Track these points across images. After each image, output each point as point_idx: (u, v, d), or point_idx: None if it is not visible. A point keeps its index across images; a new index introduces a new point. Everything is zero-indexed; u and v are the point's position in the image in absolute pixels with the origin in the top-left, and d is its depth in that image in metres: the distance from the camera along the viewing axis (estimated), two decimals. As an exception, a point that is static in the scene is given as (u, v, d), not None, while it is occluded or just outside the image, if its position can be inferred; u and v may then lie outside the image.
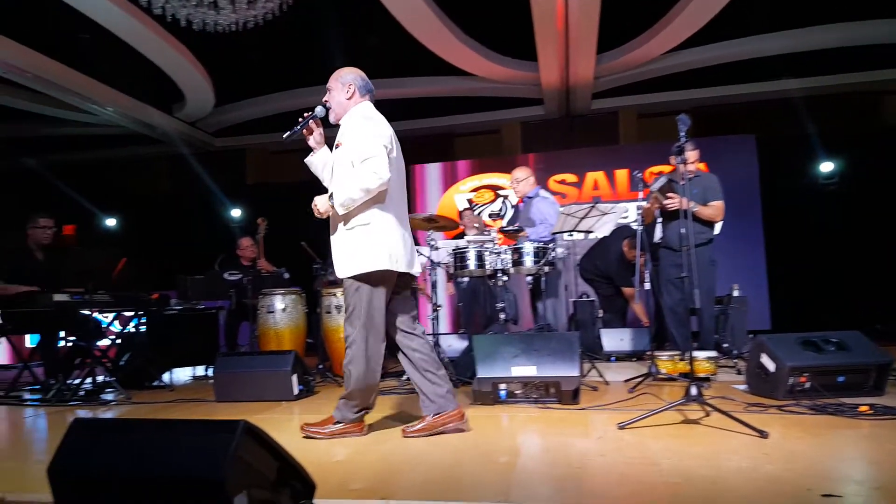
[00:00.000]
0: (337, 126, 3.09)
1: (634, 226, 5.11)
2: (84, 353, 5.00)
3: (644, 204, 4.76)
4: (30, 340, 7.68)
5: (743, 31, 7.93)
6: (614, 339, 6.09)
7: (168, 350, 5.54)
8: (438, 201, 9.77)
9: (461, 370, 4.49)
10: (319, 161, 3.15)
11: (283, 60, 8.34)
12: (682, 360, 4.35)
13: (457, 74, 8.62)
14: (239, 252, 6.78)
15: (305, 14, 6.66)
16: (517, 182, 5.46)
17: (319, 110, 3.11)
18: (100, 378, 4.86)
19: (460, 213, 8.46)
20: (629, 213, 8.15)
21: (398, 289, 3.06)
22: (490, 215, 9.28)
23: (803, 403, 3.27)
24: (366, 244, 2.89)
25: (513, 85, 9.00)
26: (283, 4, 6.20)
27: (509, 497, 2.00)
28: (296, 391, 4.23)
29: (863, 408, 3.07)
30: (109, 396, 4.69)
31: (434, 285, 5.12)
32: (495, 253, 4.70)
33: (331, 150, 3.12)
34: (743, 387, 3.94)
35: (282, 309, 5.58)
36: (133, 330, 5.55)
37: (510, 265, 4.67)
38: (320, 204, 2.94)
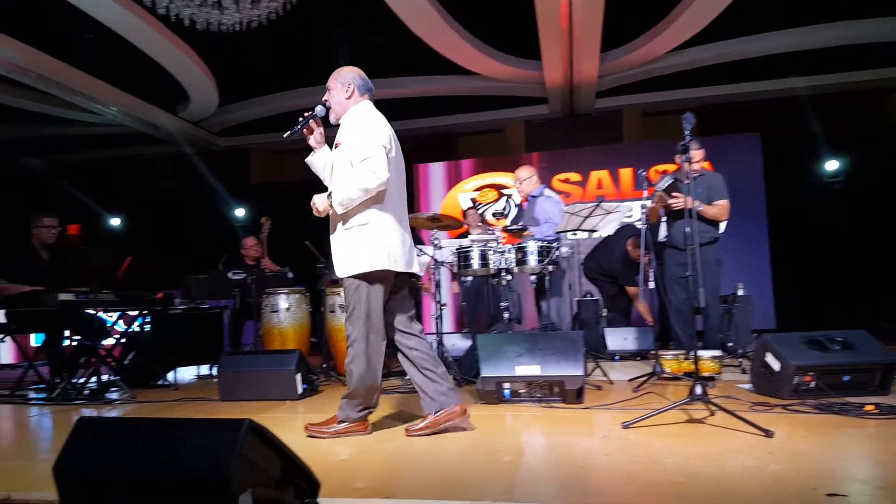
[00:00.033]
0: (338, 125, 3.09)
1: (638, 225, 5.10)
2: (89, 352, 5.02)
3: (649, 203, 4.75)
4: (35, 340, 7.70)
5: (747, 30, 7.90)
6: (618, 339, 6.08)
7: (172, 349, 5.55)
8: (442, 200, 9.77)
9: (465, 369, 4.49)
10: (320, 160, 3.16)
11: (286, 60, 8.35)
12: (686, 359, 4.35)
13: (460, 73, 8.62)
14: (243, 251, 6.78)
15: (309, 13, 6.66)
16: (520, 182, 5.46)
17: (319, 110, 3.12)
18: (104, 377, 4.88)
19: (464, 212, 8.46)
20: (633, 212, 8.13)
21: (396, 288, 3.06)
22: (494, 214, 9.27)
23: (808, 403, 3.26)
24: (364, 244, 2.90)
25: (516, 84, 8.98)
26: (287, 4, 6.20)
27: (513, 496, 2.00)
28: (300, 390, 4.23)
29: (868, 407, 3.06)
30: (114, 395, 4.70)
31: (438, 284, 5.12)
32: (499, 252, 4.70)
33: (331, 149, 3.13)
34: (748, 386, 3.93)
35: (286, 308, 5.58)
36: (138, 329, 5.56)
37: (514, 264, 4.67)
38: (319, 203, 2.95)
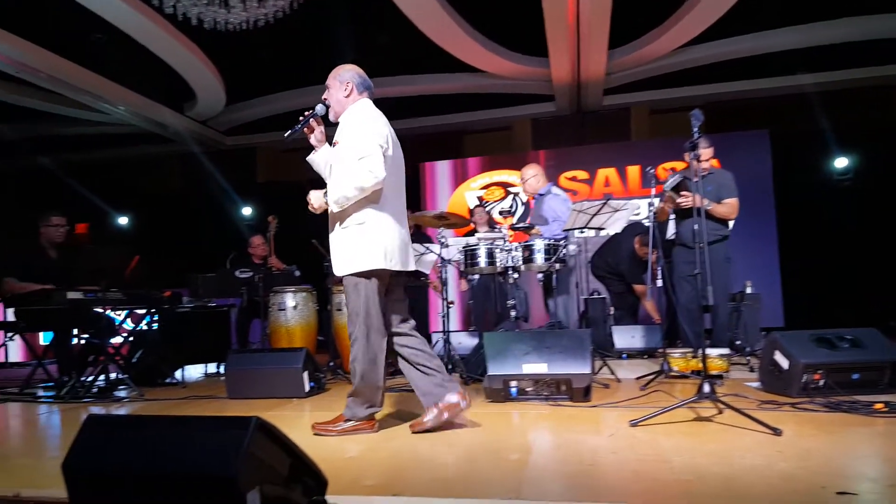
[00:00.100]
0: (338, 123, 3.10)
1: (646, 223, 5.08)
2: (97, 350, 5.05)
3: (657, 202, 4.73)
4: (43, 338, 7.76)
5: (755, 26, 7.84)
6: (626, 337, 6.07)
7: (180, 347, 5.58)
8: (449, 199, 9.76)
9: (472, 367, 4.49)
10: (321, 159, 3.17)
11: (293, 58, 8.35)
12: (694, 357, 4.33)
13: (467, 71, 8.59)
14: (250, 250, 6.81)
15: (316, 12, 6.67)
16: (524, 181, 5.45)
17: (320, 108, 3.13)
18: (113, 375, 4.90)
19: (471, 210, 8.45)
20: (641, 209, 8.10)
21: (391, 287, 3.07)
22: (500, 212, 9.26)
23: (817, 401, 3.24)
24: (361, 243, 2.90)
25: (523, 81, 8.96)
26: (294, 2, 6.21)
27: (520, 494, 1.99)
28: (307, 388, 4.25)
29: (878, 405, 3.03)
30: (122, 393, 4.73)
31: (445, 283, 5.12)
32: (506, 250, 4.69)
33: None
34: (756, 384, 3.91)
35: (293, 306, 5.60)
36: (146, 327, 5.59)
37: (521, 262, 4.66)
38: (314, 199, 2.97)
